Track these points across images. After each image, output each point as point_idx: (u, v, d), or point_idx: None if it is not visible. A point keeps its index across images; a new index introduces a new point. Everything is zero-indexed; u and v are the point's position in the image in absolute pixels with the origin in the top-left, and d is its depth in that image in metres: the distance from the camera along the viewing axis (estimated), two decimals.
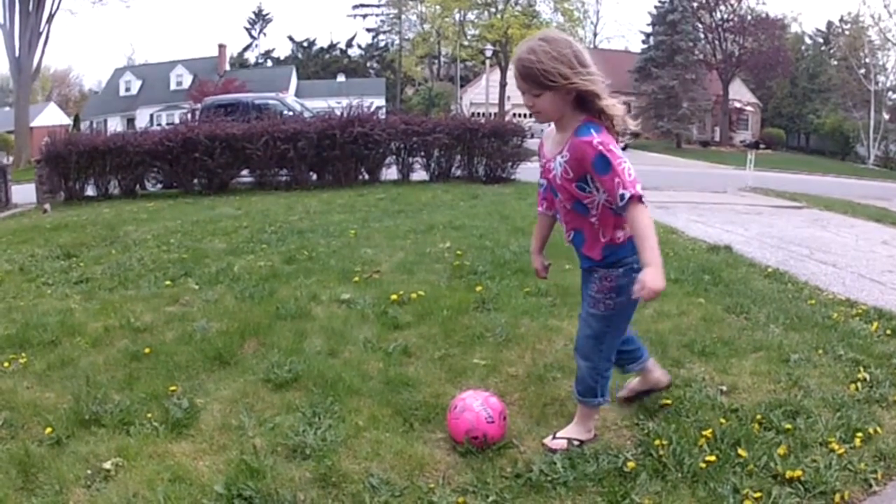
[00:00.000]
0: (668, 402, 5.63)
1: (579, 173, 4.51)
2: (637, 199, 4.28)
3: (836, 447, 4.94)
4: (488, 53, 76.27)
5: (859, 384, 6.06)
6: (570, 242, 4.91)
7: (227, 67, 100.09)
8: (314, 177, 24.04)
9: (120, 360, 6.92)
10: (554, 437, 5.11)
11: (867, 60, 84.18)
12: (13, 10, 55.65)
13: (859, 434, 5.12)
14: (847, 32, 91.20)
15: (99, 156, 22.96)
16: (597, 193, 4.55)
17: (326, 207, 17.21)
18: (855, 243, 14.09)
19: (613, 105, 4.44)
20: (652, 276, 4.17)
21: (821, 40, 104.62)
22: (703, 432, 5.05)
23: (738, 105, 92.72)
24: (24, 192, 25.96)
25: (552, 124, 4.75)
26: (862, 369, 6.37)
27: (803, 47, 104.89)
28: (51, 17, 58.24)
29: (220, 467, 4.87)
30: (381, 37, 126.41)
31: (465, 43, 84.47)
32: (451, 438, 5.10)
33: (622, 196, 4.28)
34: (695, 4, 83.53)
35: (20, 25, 56.00)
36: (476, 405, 5.05)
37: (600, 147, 4.31)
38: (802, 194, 25.43)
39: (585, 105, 4.46)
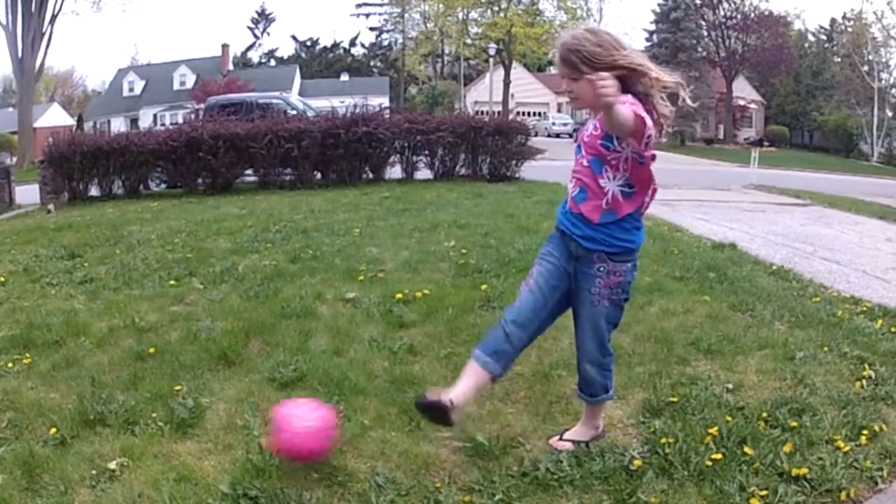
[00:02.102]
0: (675, 399, 5.64)
1: (606, 130, 4.53)
2: (638, 115, 4.29)
3: (841, 445, 4.96)
4: (492, 52, 76.18)
5: (864, 382, 6.08)
6: (572, 200, 4.80)
7: (231, 67, 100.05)
8: (318, 176, 24.03)
9: (125, 360, 6.93)
10: (561, 439, 5.13)
11: (870, 57, 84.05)
12: (15, 11, 55.57)
13: (865, 432, 5.14)
14: (850, 29, 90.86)
15: (103, 156, 22.94)
16: (623, 150, 4.54)
17: (331, 206, 17.21)
18: (859, 241, 14.10)
19: (649, 82, 4.53)
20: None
21: (824, 37, 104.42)
22: (710, 430, 5.07)
23: (741, 102, 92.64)
24: (27, 193, 25.91)
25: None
26: (867, 367, 6.39)
27: (806, 44, 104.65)
28: (53, 18, 58.12)
29: (225, 467, 4.88)
30: (385, 36, 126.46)
31: (469, 41, 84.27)
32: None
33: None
34: (698, 2, 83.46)
35: (23, 26, 55.87)
36: (296, 421, 4.95)
37: (627, 101, 4.34)
38: (806, 192, 25.46)
39: (625, 91, 4.48)
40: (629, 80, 4.50)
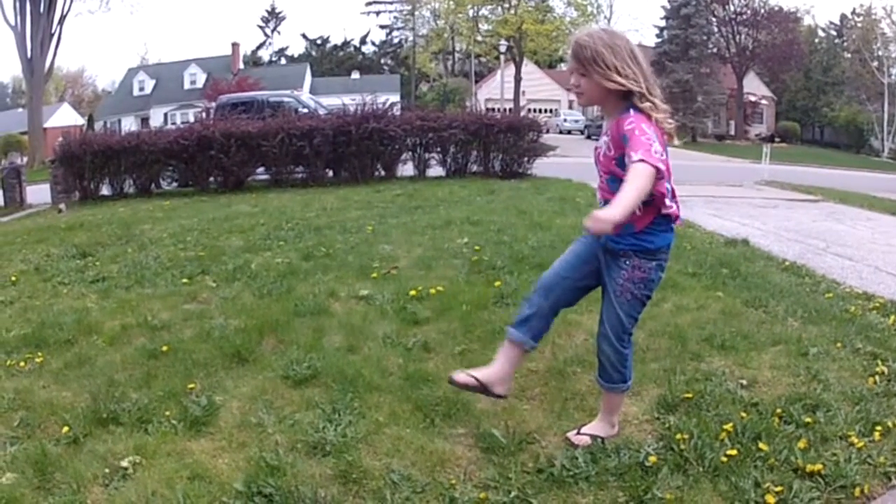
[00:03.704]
0: (689, 395, 5.62)
1: (618, 152, 4.66)
2: (645, 163, 4.32)
3: (855, 441, 4.94)
4: (502, 49, 76.01)
5: (878, 377, 6.05)
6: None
7: (241, 66, 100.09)
8: (330, 173, 24.17)
9: (137, 359, 6.93)
10: (578, 433, 5.14)
11: (880, 53, 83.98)
12: (24, 12, 55.77)
13: (878, 427, 5.12)
14: (859, 25, 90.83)
15: (114, 155, 23.06)
16: None
17: (343, 204, 17.24)
18: (871, 237, 14.07)
19: (654, 107, 4.59)
20: (604, 211, 4.19)
21: (834, 33, 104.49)
22: (724, 426, 5.05)
23: (752, 98, 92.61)
24: (38, 193, 26.03)
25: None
26: (880, 363, 6.35)
27: (816, 40, 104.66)
28: (62, 18, 58.37)
29: (239, 465, 4.87)
30: (395, 33, 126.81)
31: (479, 38, 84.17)
32: None
33: (633, 157, 4.35)
34: None
35: (31, 27, 56.12)
36: None
37: (626, 126, 4.48)
38: (818, 188, 25.44)
39: (630, 98, 4.62)
40: (633, 95, 4.61)
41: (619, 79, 4.52)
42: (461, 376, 5.03)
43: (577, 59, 4.65)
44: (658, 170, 4.32)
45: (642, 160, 4.30)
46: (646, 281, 4.84)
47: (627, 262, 4.82)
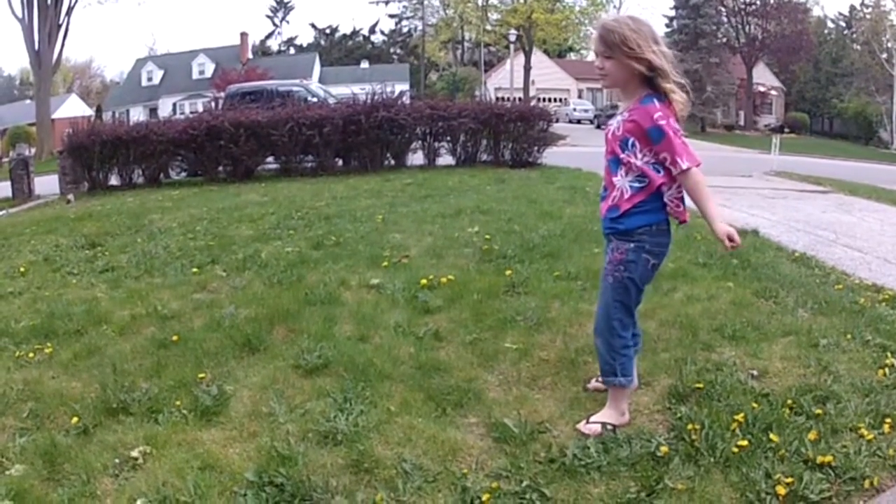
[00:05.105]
0: (700, 386, 5.62)
1: (628, 134, 4.87)
2: (695, 167, 4.70)
3: (865, 433, 4.94)
4: (512, 38, 75.76)
5: (887, 370, 6.03)
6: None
7: (250, 55, 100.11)
8: (340, 162, 24.09)
9: (147, 348, 6.95)
10: (587, 422, 5.15)
11: (889, 45, 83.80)
12: (31, 3, 55.84)
13: (888, 420, 5.11)
14: (868, 17, 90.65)
15: (122, 145, 22.99)
16: (634, 159, 4.86)
17: (353, 193, 17.19)
18: (880, 228, 14.02)
19: (674, 90, 4.79)
20: (719, 227, 4.72)
21: (843, 24, 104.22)
22: (735, 417, 5.06)
23: (761, 89, 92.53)
24: (46, 184, 26.02)
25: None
26: (889, 355, 6.33)
27: (826, 31, 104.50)
28: (70, 9, 58.42)
29: (250, 454, 4.89)
30: (404, 22, 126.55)
31: (489, 28, 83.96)
32: None
33: (679, 162, 4.69)
34: None
35: (39, 18, 56.19)
36: None
37: (659, 121, 4.69)
38: (827, 178, 25.32)
39: (652, 83, 4.81)
40: (656, 76, 4.79)
41: (644, 55, 4.70)
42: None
43: (603, 42, 4.82)
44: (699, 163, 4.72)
45: (695, 165, 4.73)
46: (624, 262, 4.98)
47: (610, 246, 5.06)
